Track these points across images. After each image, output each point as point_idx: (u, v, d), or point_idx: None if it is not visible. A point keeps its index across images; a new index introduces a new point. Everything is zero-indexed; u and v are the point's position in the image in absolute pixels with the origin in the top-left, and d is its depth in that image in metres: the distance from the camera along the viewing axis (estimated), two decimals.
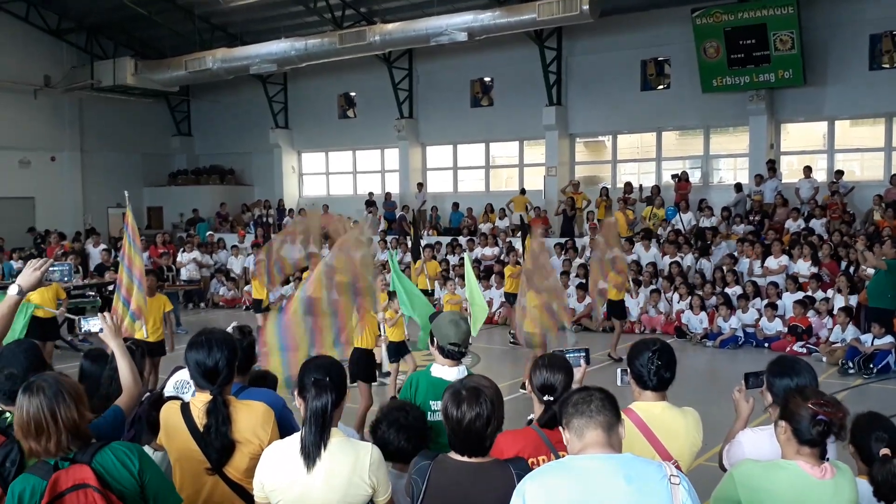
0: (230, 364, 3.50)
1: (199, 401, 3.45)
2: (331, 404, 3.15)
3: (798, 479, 3.06)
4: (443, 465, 3.14)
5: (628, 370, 3.78)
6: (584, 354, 4.13)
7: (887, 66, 18.01)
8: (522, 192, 21.83)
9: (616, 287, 12.91)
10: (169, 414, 3.54)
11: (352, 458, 3.18)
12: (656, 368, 3.63)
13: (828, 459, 3.15)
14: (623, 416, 3.53)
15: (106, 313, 3.89)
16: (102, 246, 19.31)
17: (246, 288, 19.57)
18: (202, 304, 20.09)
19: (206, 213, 26.66)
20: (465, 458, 3.11)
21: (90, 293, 15.10)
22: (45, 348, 10.62)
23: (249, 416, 3.47)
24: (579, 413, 2.78)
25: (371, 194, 24.38)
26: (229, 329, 4.41)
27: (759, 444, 3.63)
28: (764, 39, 17.87)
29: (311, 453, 3.12)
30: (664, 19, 19.80)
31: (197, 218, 26.32)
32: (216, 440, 3.37)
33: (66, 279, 4.03)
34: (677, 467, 3.51)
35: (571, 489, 2.63)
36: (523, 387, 9.36)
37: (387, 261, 18.59)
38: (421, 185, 23.94)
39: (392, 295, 9.83)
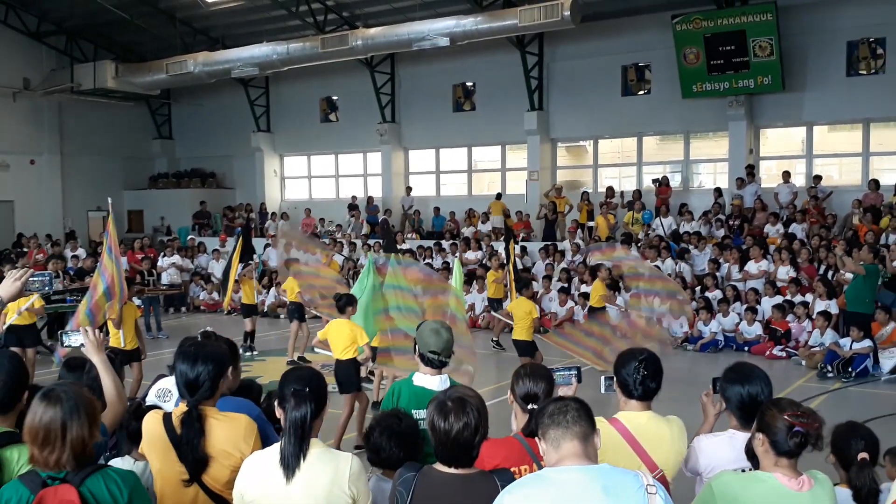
0: (213, 379, 3.50)
1: (180, 411, 3.46)
2: (310, 415, 3.15)
3: (775, 491, 3.07)
4: (428, 477, 3.14)
5: (613, 378, 3.79)
6: (575, 372, 4.02)
7: (864, 72, 18.25)
8: (498, 196, 21.86)
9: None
10: (151, 424, 3.54)
11: (332, 468, 3.17)
12: (642, 378, 3.65)
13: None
14: (607, 425, 3.58)
15: (88, 328, 3.87)
16: (81, 250, 19.16)
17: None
18: (183, 309, 20.00)
19: (186, 217, 26.57)
20: (451, 470, 3.11)
21: (71, 298, 14.96)
22: (25, 356, 10.51)
23: (231, 428, 3.46)
24: (555, 424, 2.79)
25: (354, 198, 24.38)
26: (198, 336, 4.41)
27: (715, 450, 3.68)
28: (743, 46, 18.03)
29: (290, 464, 3.11)
30: (644, 25, 19.93)
31: (205, 212, 26.22)
32: (188, 452, 3.38)
33: (46, 288, 3.99)
34: (663, 477, 3.55)
35: (549, 501, 2.64)
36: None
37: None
38: (410, 189, 23.99)
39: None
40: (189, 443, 3.36)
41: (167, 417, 3.48)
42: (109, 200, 9.07)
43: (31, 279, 3.78)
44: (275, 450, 3.20)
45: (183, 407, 3.46)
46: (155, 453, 3.51)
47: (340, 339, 8.61)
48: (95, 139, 27.13)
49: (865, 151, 18.65)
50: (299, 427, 3.13)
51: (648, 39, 19.94)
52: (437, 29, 19.77)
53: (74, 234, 23.04)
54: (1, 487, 2.97)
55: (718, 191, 19.08)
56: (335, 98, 26.02)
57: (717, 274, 15.95)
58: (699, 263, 16.75)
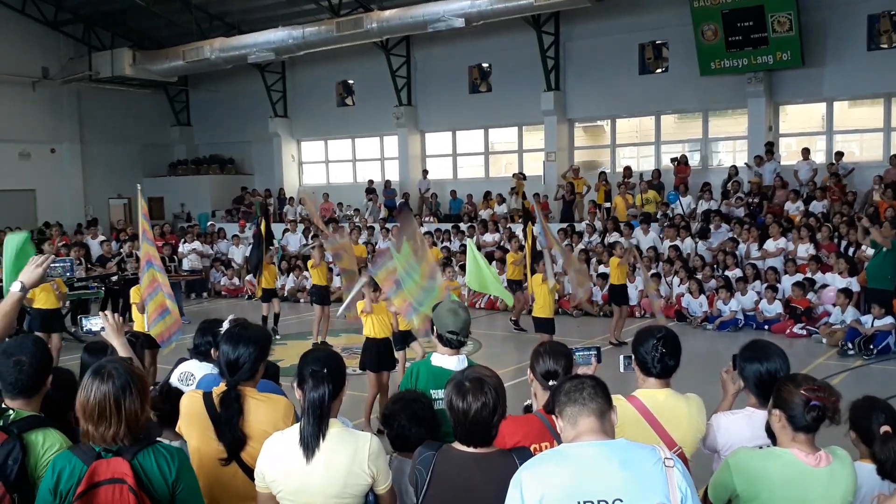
0: (254, 361, 3.57)
1: (219, 390, 3.54)
2: (328, 395, 3.17)
3: (792, 467, 3.08)
4: (447, 456, 3.15)
5: (632, 357, 3.79)
6: (595, 353, 4.05)
7: (885, 46, 17.96)
8: (523, 177, 21.78)
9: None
10: (190, 402, 3.60)
11: (351, 448, 3.19)
12: (660, 356, 3.65)
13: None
14: (625, 402, 3.59)
15: (108, 312, 3.92)
16: (101, 237, 19.35)
17: (248, 277, 19.61)
18: (204, 294, 20.16)
19: (206, 203, 26.71)
20: (469, 449, 3.13)
21: (93, 285, 15.15)
22: (50, 342, 10.62)
23: (271, 409, 3.55)
24: (572, 401, 2.80)
25: (371, 182, 24.41)
26: (225, 323, 4.45)
27: (733, 428, 3.69)
28: (762, 21, 17.82)
29: (309, 444, 3.14)
30: (662, 2, 19.72)
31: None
32: (227, 431, 3.45)
33: (68, 274, 4.03)
34: (681, 454, 3.55)
35: (567, 476, 2.65)
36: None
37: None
38: (426, 172, 23.97)
39: (400, 284, 9.75)
40: (228, 422, 3.43)
41: (207, 396, 3.55)
42: (139, 187, 9.14)
43: (52, 265, 3.81)
44: (294, 430, 3.23)
45: (223, 386, 3.53)
46: (194, 432, 3.57)
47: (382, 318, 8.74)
48: (115, 127, 27.33)
49: (887, 126, 18.40)
50: (318, 407, 3.16)
51: (665, 16, 19.74)
52: (452, 10, 19.69)
53: (96, 221, 23.26)
54: (30, 467, 3.03)
55: (735, 169, 18.92)
56: (351, 82, 26.00)
57: (737, 252, 15.86)
58: (716, 242, 16.67)
